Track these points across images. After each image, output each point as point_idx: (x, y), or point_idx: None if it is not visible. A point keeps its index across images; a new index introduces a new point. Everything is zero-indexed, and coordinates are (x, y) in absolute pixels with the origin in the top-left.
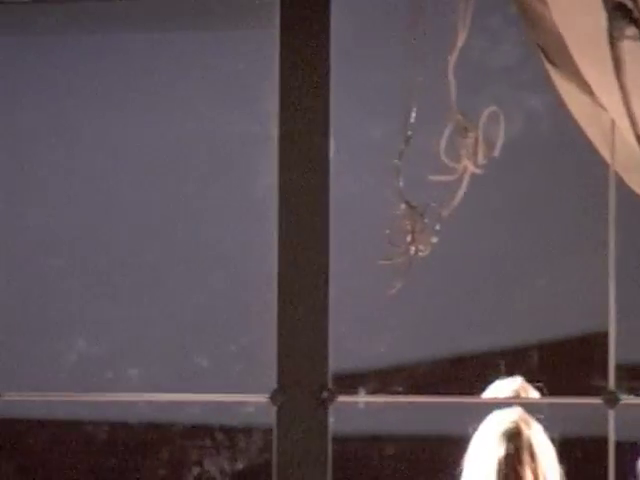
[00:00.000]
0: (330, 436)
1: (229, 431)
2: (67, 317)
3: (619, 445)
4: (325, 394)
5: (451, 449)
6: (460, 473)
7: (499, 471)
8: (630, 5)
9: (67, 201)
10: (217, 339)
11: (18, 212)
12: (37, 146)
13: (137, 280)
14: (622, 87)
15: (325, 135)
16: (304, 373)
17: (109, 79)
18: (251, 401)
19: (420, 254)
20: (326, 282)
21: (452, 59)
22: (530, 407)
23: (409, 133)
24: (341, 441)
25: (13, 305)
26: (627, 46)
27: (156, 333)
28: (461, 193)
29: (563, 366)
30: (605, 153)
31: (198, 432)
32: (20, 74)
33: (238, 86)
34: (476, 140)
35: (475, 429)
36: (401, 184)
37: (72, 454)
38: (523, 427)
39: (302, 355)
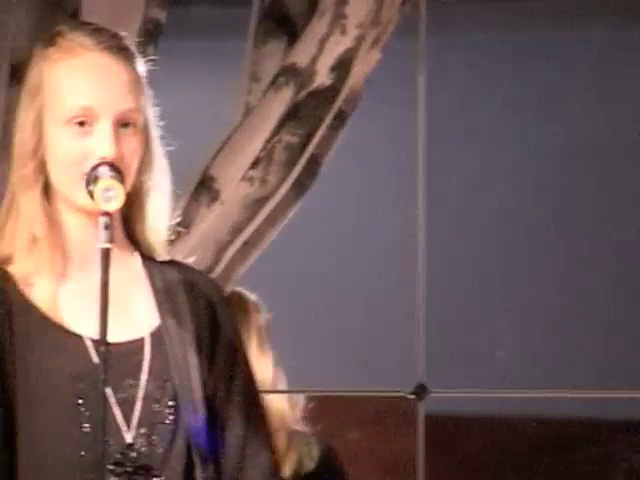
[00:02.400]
0: None
1: None
2: (497, 314)
3: None
4: None
5: None
6: None
7: None
8: None
9: (502, 202)
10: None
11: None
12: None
13: (567, 283)
14: None
15: None
16: None
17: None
18: None
19: None
20: None
21: None
22: None
23: None
24: None
25: (448, 303)
26: None
27: (584, 331)
28: None
29: None
30: None
31: (625, 428)
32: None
33: None
34: None
35: None
36: None
37: (501, 451)
38: None
39: None
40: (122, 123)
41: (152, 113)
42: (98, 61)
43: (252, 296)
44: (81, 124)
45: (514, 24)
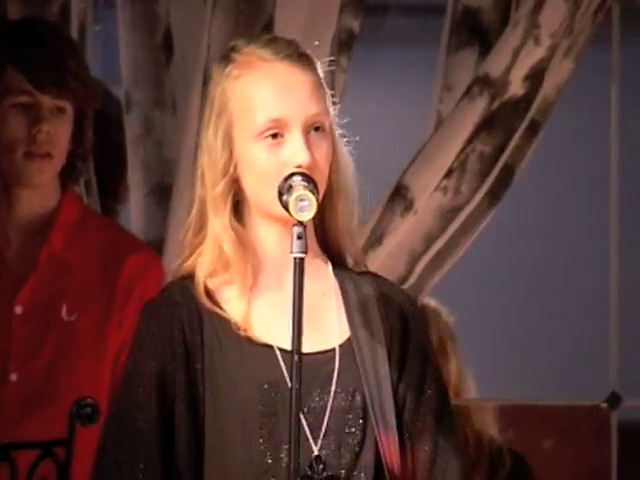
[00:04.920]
0: None
1: None
2: None
3: None
4: None
5: None
6: None
7: None
8: None
9: None
10: None
11: None
12: None
13: None
14: None
15: None
16: None
17: None
18: None
19: None
20: None
21: None
22: None
23: None
24: None
25: None
26: None
27: None
28: None
29: None
30: None
31: None
32: None
33: None
34: None
35: None
36: None
37: None
38: None
39: None
40: (312, 128)
41: (333, 113)
42: (279, 71)
43: (441, 308)
44: (273, 136)
45: None
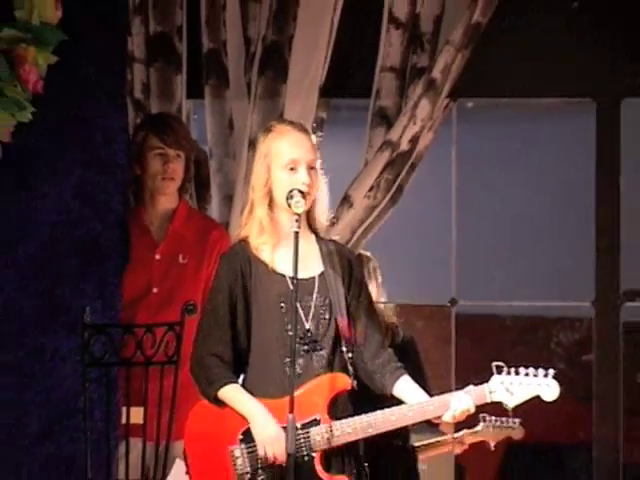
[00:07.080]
0: None
1: None
2: (496, 254)
3: None
4: None
5: None
6: None
7: None
8: None
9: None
10: None
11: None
12: None
13: None
14: None
15: None
16: None
17: None
18: None
19: None
20: None
21: None
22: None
23: None
24: None
25: (472, 245)
26: None
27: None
28: None
29: None
30: None
31: (560, 321)
32: None
33: None
34: None
35: None
36: None
37: (496, 338)
38: None
39: None
40: (309, 167)
41: (319, 163)
42: (296, 136)
43: (367, 253)
44: (291, 169)
45: (515, 118)
